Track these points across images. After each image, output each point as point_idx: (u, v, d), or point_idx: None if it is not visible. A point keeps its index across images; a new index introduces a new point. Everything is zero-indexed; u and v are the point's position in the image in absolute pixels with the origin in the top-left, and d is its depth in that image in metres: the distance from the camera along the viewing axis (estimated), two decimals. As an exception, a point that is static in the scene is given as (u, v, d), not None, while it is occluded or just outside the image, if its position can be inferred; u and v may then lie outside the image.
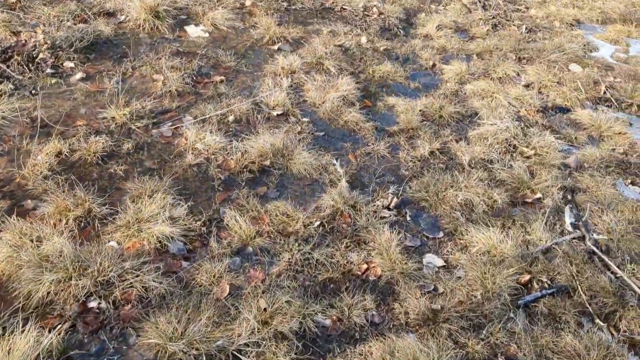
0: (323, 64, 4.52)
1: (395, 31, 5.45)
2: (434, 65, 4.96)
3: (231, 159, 3.33)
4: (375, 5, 5.69)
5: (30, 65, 3.74)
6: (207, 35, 4.65)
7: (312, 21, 5.27)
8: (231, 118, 3.69)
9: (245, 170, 3.28)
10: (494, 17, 6.03)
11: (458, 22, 5.91)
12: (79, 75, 3.79)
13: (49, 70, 3.75)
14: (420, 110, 4.18)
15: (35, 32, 4.03)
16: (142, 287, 2.45)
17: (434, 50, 5.21)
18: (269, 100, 3.92)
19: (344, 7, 5.61)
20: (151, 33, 4.50)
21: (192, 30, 4.66)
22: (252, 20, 5.00)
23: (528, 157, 3.84)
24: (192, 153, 3.31)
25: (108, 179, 3.07)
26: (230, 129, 3.61)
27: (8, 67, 3.68)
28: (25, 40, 3.96)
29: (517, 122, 4.17)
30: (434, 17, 5.81)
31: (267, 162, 3.36)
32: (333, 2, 5.69)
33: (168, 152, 3.33)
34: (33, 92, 3.56)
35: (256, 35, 4.78)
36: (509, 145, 3.92)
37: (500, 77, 4.88)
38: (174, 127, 3.53)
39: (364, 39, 5.08)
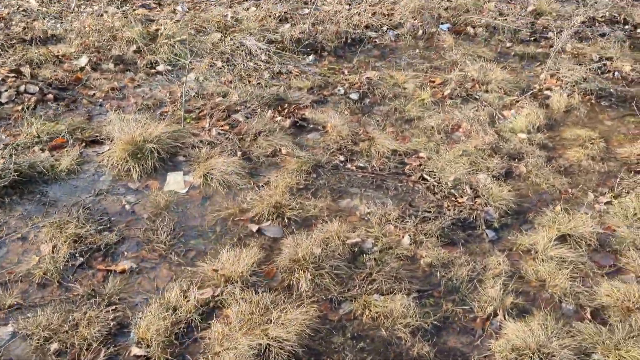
0: (292, 275, 3.00)
1: (480, 232, 3.52)
2: (492, 316, 2.94)
3: None
4: (471, 185, 3.82)
5: None
6: (184, 191, 3.55)
7: (358, 192, 3.72)
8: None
9: None
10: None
11: (616, 232, 3.60)
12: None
13: None
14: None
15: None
16: None
17: (514, 286, 3.13)
18: (140, 326, 2.62)
19: (424, 176, 3.91)
20: (117, 176, 3.60)
21: (173, 180, 3.61)
22: (269, 176, 3.72)
23: None
24: None
25: None
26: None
27: None
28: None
29: None
30: (569, 218, 3.62)
31: None
32: (419, 165, 4.03)
33: None
34: None
35: (246, 203, 3.49)
36: None
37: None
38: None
39: (406, 240, 3.34)
